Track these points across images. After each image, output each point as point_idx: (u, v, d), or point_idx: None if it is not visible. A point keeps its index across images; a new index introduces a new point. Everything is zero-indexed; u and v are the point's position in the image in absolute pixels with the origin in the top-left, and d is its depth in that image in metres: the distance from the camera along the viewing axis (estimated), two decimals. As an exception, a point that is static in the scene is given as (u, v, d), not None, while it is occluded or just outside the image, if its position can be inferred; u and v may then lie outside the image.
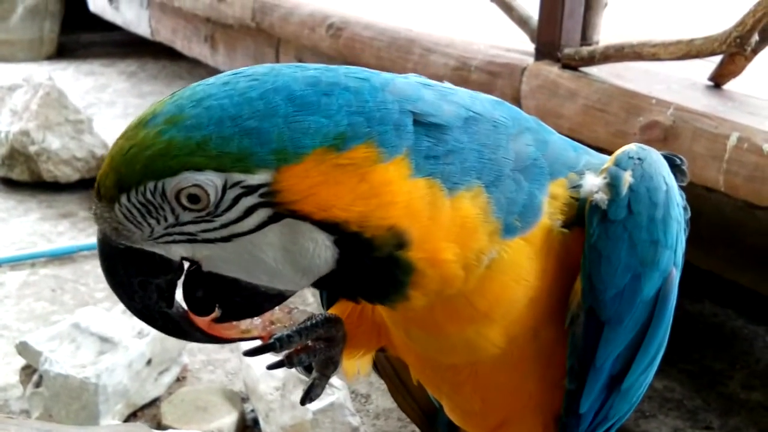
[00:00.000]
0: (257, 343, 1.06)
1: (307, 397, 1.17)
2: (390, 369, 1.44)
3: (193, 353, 2.91)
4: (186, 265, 0.96)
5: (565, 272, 0.99)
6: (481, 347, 1.02)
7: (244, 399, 2.63)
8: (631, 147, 1.01)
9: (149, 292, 0.94)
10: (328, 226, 0.87)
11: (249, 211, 0.87)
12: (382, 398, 2.73)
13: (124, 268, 0.93)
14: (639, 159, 0.98)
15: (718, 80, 2.51)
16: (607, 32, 2.84)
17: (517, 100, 2.80)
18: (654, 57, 2.47)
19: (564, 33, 2.73)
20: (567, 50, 2.71)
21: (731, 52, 2.33)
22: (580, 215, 0.98)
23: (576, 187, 1.00)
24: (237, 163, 0.85)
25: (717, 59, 2.47)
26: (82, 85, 6.44)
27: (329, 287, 0.99)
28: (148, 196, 0.87)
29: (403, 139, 0.88)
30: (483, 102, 0.99)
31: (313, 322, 1.09)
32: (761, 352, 3.10)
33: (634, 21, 3.63)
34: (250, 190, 0.86)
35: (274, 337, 1.05)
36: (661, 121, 2.33)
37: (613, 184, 0.96)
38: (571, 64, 2.70)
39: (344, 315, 1.21)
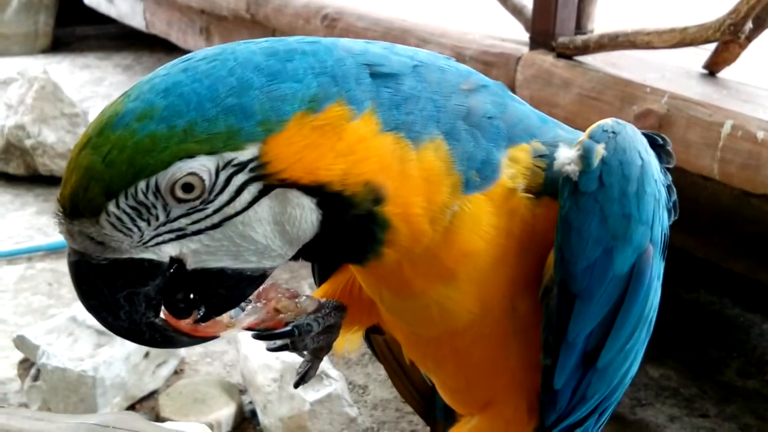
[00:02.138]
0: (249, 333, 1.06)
1: (302, 381, 1.17)
2: (389, 354, 1.46)
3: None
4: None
5: (538, 243, 0.99)
6: (454, 312, 1.02)
7: (242, 391, 2.64)
8: (607, 121, 1.01)
9: (137, 305, 0.91)
10: (313, 189, 0.87)
11: (240, 189, 0.86)
12: (380, 389, 2.74)
13: (108, 285, 0.89)
14: (613, 132, 0.98)
15: (712, 68, 2.51)
16: (602, 21, 2.83)
17: (512, 90, 2.78)
18: (648, 45, 2.47)
19: (558, 22, 2.73)
20: (561, 39, 2.71)
21: (725, 40, 2.33)
22: (549, 185, 0.99)
23: (542, 156, 1.00)
24: (227, 142, 0.84)
25: (712, 47, 2.48)
26: (78, 78, 6.43)
27: (310, 254, 0.97)
28: (140, 196, 0.84)
29: (366, 93, 0.90)
30: (427, 54, 1.01)
31: (327, 311, 1.10)
32: (757, 340, 3.11)
33: (628, 10, 3.63)
34: (241, 167, 0.85)
35: (293, 324, 1.05)
36: (655, 109, 2.33)
37: (585, 156, 0.96)
38: (566, 53, 2.70)
39: (336, 291, 1.23)
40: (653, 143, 1.10)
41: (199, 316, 0.96)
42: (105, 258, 0.88)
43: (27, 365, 2.61)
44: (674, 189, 1.14)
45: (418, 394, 1.49)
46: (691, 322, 3.19)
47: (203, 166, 0.84)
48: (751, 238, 3.13)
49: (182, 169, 0.84)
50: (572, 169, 0.96)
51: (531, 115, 1.05)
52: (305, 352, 1.17)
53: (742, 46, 2.34)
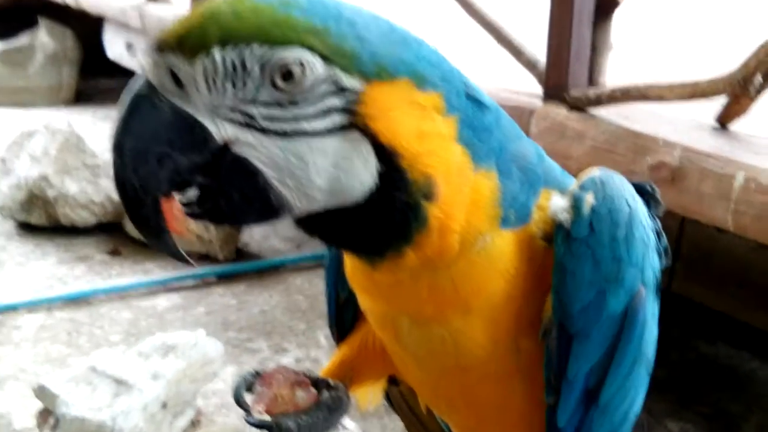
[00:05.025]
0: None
1: None
2: (404, 405, 1.49)
3: (207, 396, 2.92)
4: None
5: (542, 287, 1.04)
6: (466, 346, 1.07)
7: (258, 441, 2.63)
8: (595, 171, 1.07)
9: (163, 170, 0.90)
10: (384, 153, 0.91)
11: (327, 112, 0.90)
12: (396, 440, 2.73)
13: (155, 132, 0.89)
14: (602, 182, 1.04)
15: (724, 121, 2.54)
16: (614, 74, 2.88)
17: (526, 142, 2.84)
18: (660, 98, 2.51)
19: (571, 75, 2.78)
20: (574, 92, 2.76)
21: (736, 94, 2.36)
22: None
23: None
24: (344, 60, 0.89)
25: (724, 99, 2.51)
26: (100, 129, 6.54)
27: (333, 227, 0.98)
28: (248, 57, 0.87)
29: (458, 105, 0.97)
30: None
31: (319, 413, 1.16)
32: (777, 393, 3.07)
33: (640, 63, 3.68)
34: (340, 90, 0.89)
35: (275, 420, 1.11)
36: (668, 161, 2.36)
37: (575, 205, 1.03)
38: (579, 106, 2.75)
39: (354, 348, 1.29)
40: (642, 191, 1.16)
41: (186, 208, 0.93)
42: (171, 103, 0.89)
43: (46, 415, 2.62)
44: (664, 234, 1.19)
45: None
46: (710, 376, 3.16)
47: (313, 64, 0.88)
48: (769, 290, 3.12)
49: (298, 54, 0.87)
50: (564, 217, 1.02)
51: (556, 166, 1.13)
52: None
53: (753, 99, 2.38)
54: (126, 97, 0.91)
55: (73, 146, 4.47)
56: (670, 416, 2.89)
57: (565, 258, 1.01)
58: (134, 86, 0.91)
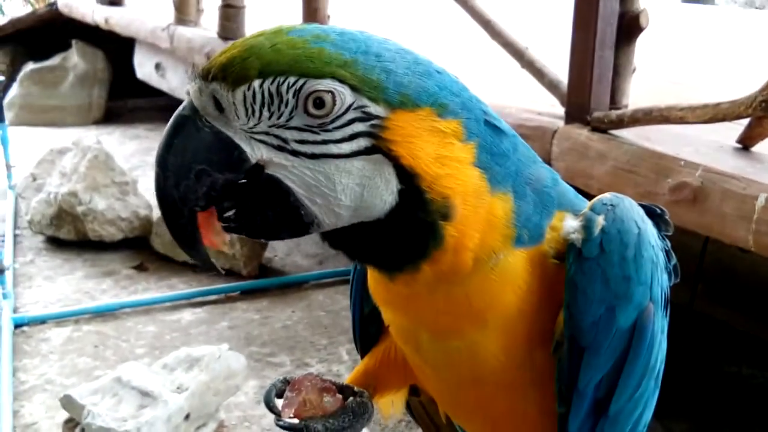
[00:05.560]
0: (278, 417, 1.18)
1: None
2: (425, 415, 1.54)
3: (230, 409, 2.95)
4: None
5: (554, 302, 1.09)
6: (482, 357, 1.11)
7: (279, 455, 2.66)
8: (606, 195, 1.12)
9: (200, 185, 0.96)
10: (405, 174, 0.97)
11: (353, 136, 0.96)
12: (416, 457, 2.74)
13: (195, 151, 0.96)
14: (612, 205, 1.09)
15: (746, 142, 2.55)
16: (636, 96, 2.90)
17: (548, 162, 2.86)
18: (681, 120, 2.52)
19: (593, 97, 2.81)
20: (596, 114, 2.78)
21: (758, 116, 2.37)
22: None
23: None
24: (371, 90, 0.96)
25: (746, 122, 2.52)
26: (128, 148, 6.68)
27: (356, 241, 1.04)
28: (283, 88, 0.94)
29: (477, 131, 1.02)
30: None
31: (345, 417, 1.20)
32: (802, 416, 3.04)
33: (662, 85, 3.69)
34: (366, 117, 0.96)
35: (304, 423, 1.17)
36: (689, 182, 2.37)
37: (587, 226, 1.07)
38: (601, 127, 2.77)
39: (377, 359, 1.34)
40: (652, 213, 1.22)
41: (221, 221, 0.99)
42: (211, 126, 0.96)
43: (72, 425, 2.68)
44: (673, 254, 1.24)
45: None
46: (733, 396, 3.14)
47: (343, 93, 0.95)
48: (793, 312, 3.09)
49: (328, 85, 0.94)
50: (576, 237, 1.07)
51: (570, 189, 1.17)
52: None
53: (776, 122, 2.38)
54: (174, 119, 0.99)
55: (102, 164, 4.57)
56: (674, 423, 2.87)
57: (577, 276, 1.05)
58: (180, 109, 0.98)
